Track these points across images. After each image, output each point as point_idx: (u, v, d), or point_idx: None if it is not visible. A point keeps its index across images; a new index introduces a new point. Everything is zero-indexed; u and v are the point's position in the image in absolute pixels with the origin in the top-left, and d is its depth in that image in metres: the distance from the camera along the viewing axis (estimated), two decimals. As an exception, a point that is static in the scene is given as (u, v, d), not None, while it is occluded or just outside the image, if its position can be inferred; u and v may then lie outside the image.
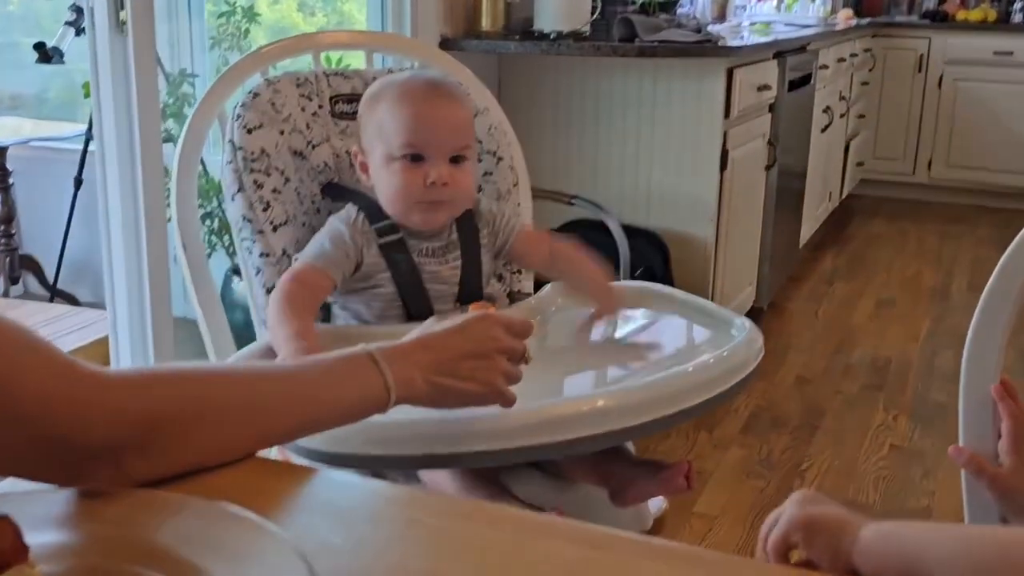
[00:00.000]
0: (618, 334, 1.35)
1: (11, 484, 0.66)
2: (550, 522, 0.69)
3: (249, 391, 0.75)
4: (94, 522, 0.64)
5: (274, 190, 1.34)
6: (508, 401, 0.89)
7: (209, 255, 2.58)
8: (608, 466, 1.16)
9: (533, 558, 0.65)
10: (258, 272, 1.33)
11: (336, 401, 0.79)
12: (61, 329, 2.23)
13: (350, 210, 1.30)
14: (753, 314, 3.34)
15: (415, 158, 1.23)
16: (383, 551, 0.66)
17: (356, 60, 2.50)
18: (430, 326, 0.90)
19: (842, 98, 4.57)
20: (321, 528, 0.67)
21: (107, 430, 0.66)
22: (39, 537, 0.60)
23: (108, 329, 1.99)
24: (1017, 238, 0.98)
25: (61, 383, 0.64)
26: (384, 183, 1.26)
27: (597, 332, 1.33)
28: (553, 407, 1.03)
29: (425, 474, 1.15)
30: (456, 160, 1.25)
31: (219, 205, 2.59)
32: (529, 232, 1.39)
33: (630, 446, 1.30)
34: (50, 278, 3.21)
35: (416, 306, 1.27)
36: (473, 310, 0.97)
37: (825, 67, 4.04)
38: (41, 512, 0.65)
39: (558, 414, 1.01)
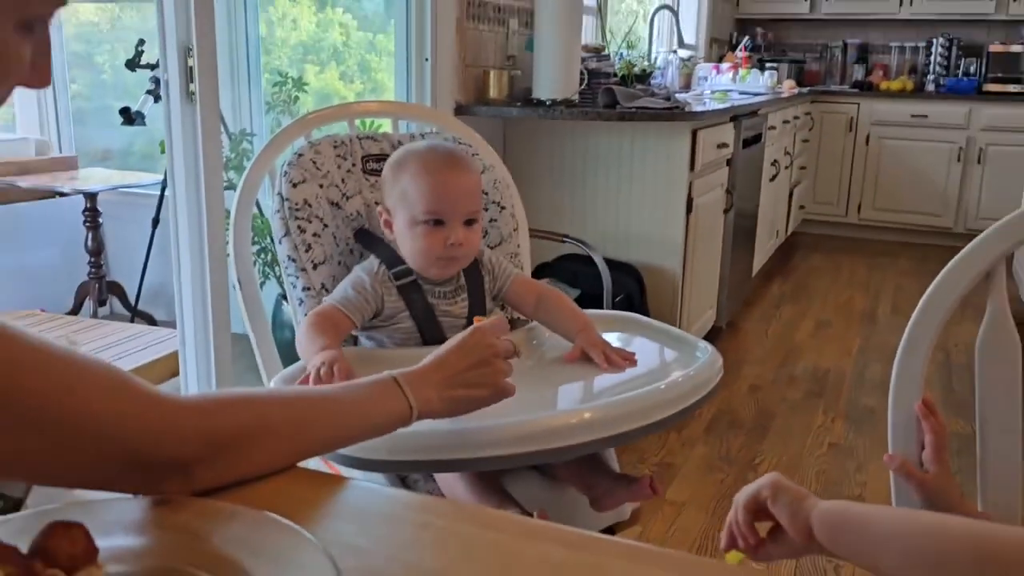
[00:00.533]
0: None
1: (87, 493, 0.65)
2: (543, 527, 0.68)
3: (296, 412, 0.73)
4: (158, 528, 0.63)
5: (314, 234, 1.33)
6: (511, 393, 0.89)
7: (263, 284, 2.58)
8: (591, 478, 1.16)
9: (529, 558, 0.63)
10: (301, 303, 1.32)
11: (367, 419, 0.78)
12: (139, 345, 2.21)
13: (372, 262, 1.28)
14: (713, 333, 3.33)
15: (436, 222, 1.22)
16: (400, 551, 0.64)
17: (385, 124, 2.50)
18: (438, 350, 0.89)
19: (787, 153, 4.58)
20: (348, 531, 0.66)
21: (177, 448, 0.65)
22: (109, 541, 0.59)
23: (178, 344, 1.98)
24: (936, 280, 0.96)
25: (139, 409, 0.63)
26: (408, 243, 1.24)
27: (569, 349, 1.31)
28: (546, 419, 1.01)
29: (440, 478, 1.14)
30: (469, 223, 1.24)
31: (272, 241, 2.58)
32: (521, 279, 1.36)
33: (613, 455, 1.28)
34: (132, 301, 3.20)
35: (431, 335, 1.25)
36: (476, 322, 0.95)
37: (773, 128, 4.06)
38: (112, 518, 0.63)
39: (551, 425, 0.99)
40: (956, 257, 0.95)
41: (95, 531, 0.56)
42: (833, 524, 0.68)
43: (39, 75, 0.57)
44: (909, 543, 0.65)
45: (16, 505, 0.76)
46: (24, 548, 0.53)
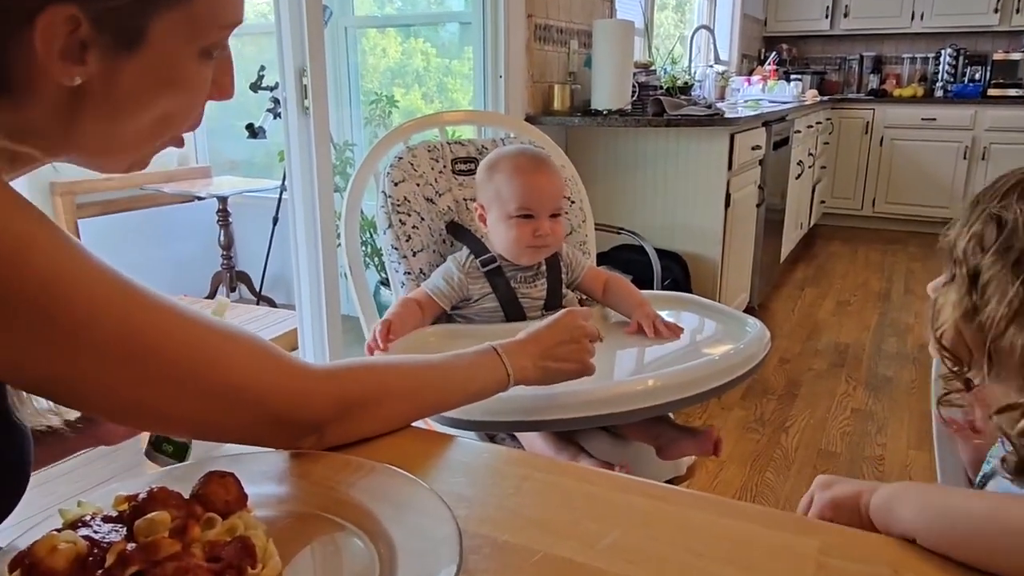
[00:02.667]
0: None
1: (237, 447, 0.64)
2: (630, 481, 0.64)
3: (412, 379, 0.71)
4: (297, 478, 0.61)
5: (413, 227, 1.31)
6: (593, 371, 0.86)
7: (364, 270, 2.59)
8: (656, 429, 1.11)
9: (620, 507, 0.60)
10: (403, 285, 1.31)
11: (472, 384, 0.75)
12: (263, 324, 2.23)
13: (462, 253, 1.26)
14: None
15: (527, 216, 1.20)
16: (505, 500, 0.61)
17: (466, 131, 2.48)
18: (533, 325, 0.86)
19: (810, 154, 4.42)
20: (458, 482, 0.63)
21: (315, 411, 0.63)
22: (257, 489, 0.58)
23: (297, 323, 1.99)
24: None
25: (284, 377, 0.61)
26: (502, 234, 1.22)
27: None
28: (617, 386, 0.98)
29: (522, 436, 1.11)
30: (554, 216, 1.22)
31: (370, 236, 2.59)
32: (592, 270, 1.34)
33: (671, 414, 1.24)
34: (257, 287, 3.26)
35: (513, 314, 1.23)
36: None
37: (798, 132, 3.92)
38: (260, 469, 0.62)
39: (621, 391, 0.96)
40: None
41: (244, 480, 0.54)
42: (880, 514, 0.61)
43: (221, 89, 0.57)
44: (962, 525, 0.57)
45: (182, 449, 0.76)
46: (186, 494, 0.52)
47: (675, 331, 1.18)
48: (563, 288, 1.29)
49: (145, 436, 0.76)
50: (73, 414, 0.72)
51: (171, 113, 0.55)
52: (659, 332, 1.18)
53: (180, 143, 0.59)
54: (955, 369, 0.69)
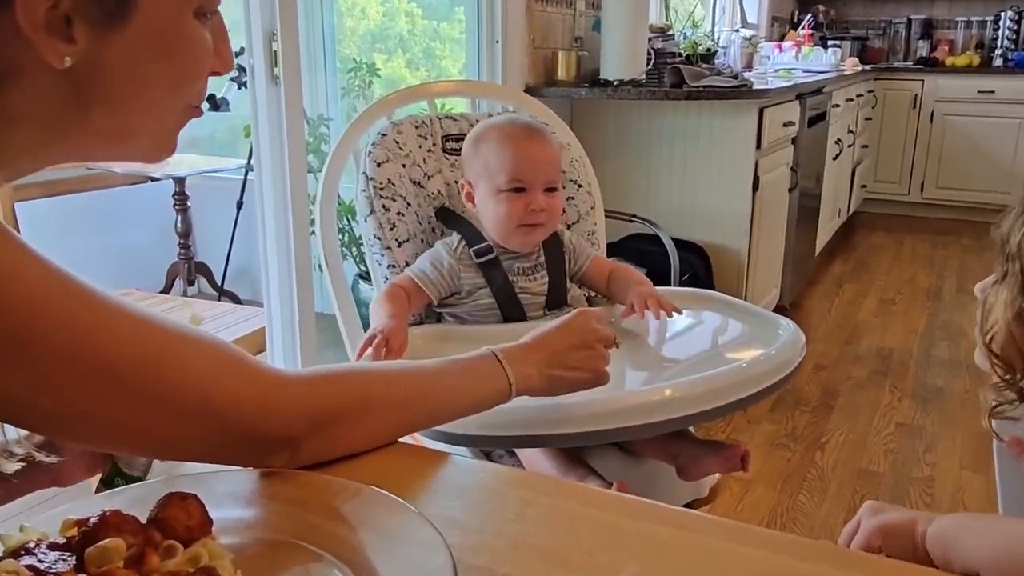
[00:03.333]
0: (680, 332, 1.29)
1: (201, 466, 0.64)
2: (645, 505, 0.65)
3: (400, 388, 0.72)
4: (268, 500, 0.61)
5: (398, 213, 1.32)
6: (607, 381, 0.86)
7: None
8: (675, 446, 1.12)
9: (634, 536, 0.60)
10: (386, 280, 1.31)
11: (468, 395, 0.76)
12: (226, 323, 2.24)
13: (453, 238, 1.27)
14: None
15: (518, 190, 1.21)
16: (505, 527, 0.62)
17: (458, 105, 2.48)
18: (540, 328, 0.86)
19: (850, 131, 4.42)
20: (452, 506, 0.64)
21: (287, 425, 0.63)
22: (223, 513, 0.58)
23: (265, 322, 1.99)
24: None
25: (253, 387, 0.62)
26: (491, 211, 1.23)
27: (662, 331, 1.28)
28: (629, 397, 0.99)
29: (523, 453, 1.12)
30: (549, 190, 1.23)
31: (348, 224, 2.59)
32: (597, 259, 1.35)
33: (691, 428, 1.24)
34: (218, 280, 3.25)
35: (511, 313, 1.24)
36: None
37: (837, 106, 3.91)
38: (226, 490, 0.62)
39: (633, 403, 0.97)
40: None
41: (208, 503, 0.54)
42: (938, 545, 0.62)
43: (223, 60, 0.60)
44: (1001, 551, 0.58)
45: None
46: (143, 518, 0.52)
47: (667, 307, 1.18)
48: (567, 281, 1.29)
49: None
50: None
51: (177, 82, 0.58)
52: (651, 308, 1.17)
53: (199, 112, 0.62)
54: (1007, 377, 0.69)
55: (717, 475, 1.25)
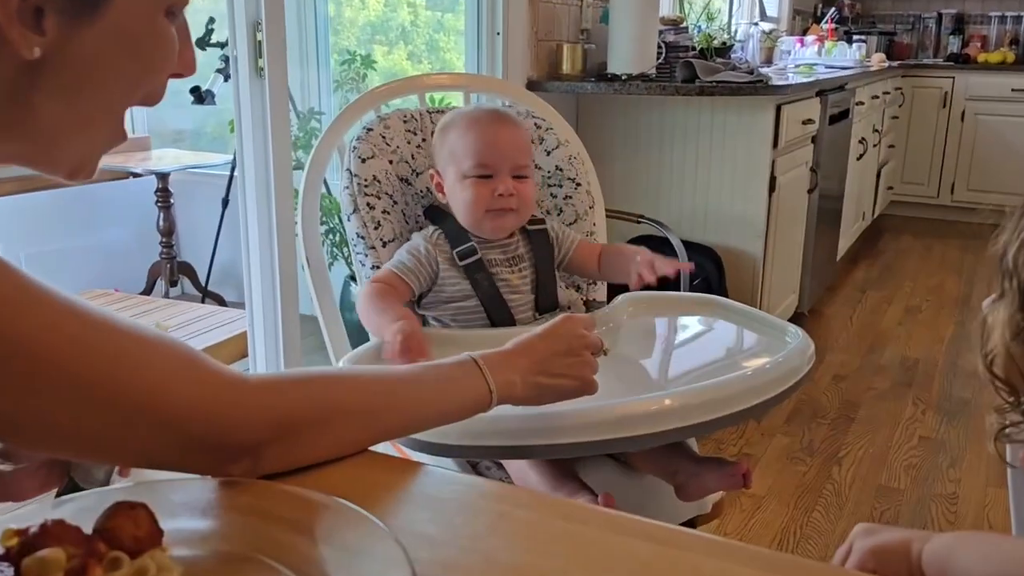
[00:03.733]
0: (682, 340, 1.29)
1: (155, 472, 0.64)
2: (629, 520, 0.64)
3: (370, 394, 0.71)
4: (225, 511, 0.61)
5: (384, 211, 1.32)
6: (595, 390, 0.86)
7: (331, 264, 2.59)
8: (674, 462, 1.11)
9: (616, 553, 0.60)
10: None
11: (444, 403, 0.75)
12: (208, 325, 2.24)
13: (429, 228, 1.29)
14: (795, 319, 3.23)
15: (484, 176, 1.22)
16: (476, 542, 0.61)
17: (456, 100, 2.48)
18: (523, 335, 0.86)
19: (875, 130, 4.41)
20: (421, 519, 0.63)
21: (248, 431, 0.63)
22: (175, 523, 0.57)
23: (247, 325, 1.99)
24: None
25: (209, 390, 0.62)
26: (459, 198, 1.25)
27: (662, 338, 1.28)
28: (625, 406, 0.97)
29: (510, 465, 1.11)
30: (518, 177, 1.24)
31: (340, 221, 2.59)
32: (584, 243, 1.37)
33: (693, 443, 1.24)
34: (202, 281, 3.26)
35: (499, 317, 1.24)
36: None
37: (861, 103, 3.91)
38: (180, 499, 0.62)
39: (629, 412, 0.95)
40: None
41: (160, 512, 0.54)
42: (934, 564, 0.61)
43: (185, 63, 0.61)
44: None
45: None
46: (88, 528, 0.52)
47: (676, 265, 1.21)
48: (555, 273, 1.30)
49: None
50: None
51: (138, 80, 0.59)
52: (657, 269, 1.20)
53: (123, 136, 0.62)
54: (1011, 400, 0.69)
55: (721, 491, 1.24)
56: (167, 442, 0.61)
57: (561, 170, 1.46)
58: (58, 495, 0.76)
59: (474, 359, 0.78)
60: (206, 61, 2.99)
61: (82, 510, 0.56)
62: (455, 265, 1.24)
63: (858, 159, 3.99)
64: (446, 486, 0.69)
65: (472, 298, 1.23)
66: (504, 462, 1.13)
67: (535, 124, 1.48)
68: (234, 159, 2.76)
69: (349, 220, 1.31)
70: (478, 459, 1.13)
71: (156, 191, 3.26)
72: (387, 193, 1.32)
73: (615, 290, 1.40)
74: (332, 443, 0.68)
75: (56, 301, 0.56)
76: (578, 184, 1.48)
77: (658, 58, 2.84)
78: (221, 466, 0.63)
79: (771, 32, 4.32)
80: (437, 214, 1.34)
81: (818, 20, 5.43)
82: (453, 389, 0.76)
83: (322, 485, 0.63)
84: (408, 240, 1.34)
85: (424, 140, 1.41)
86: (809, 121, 2.99)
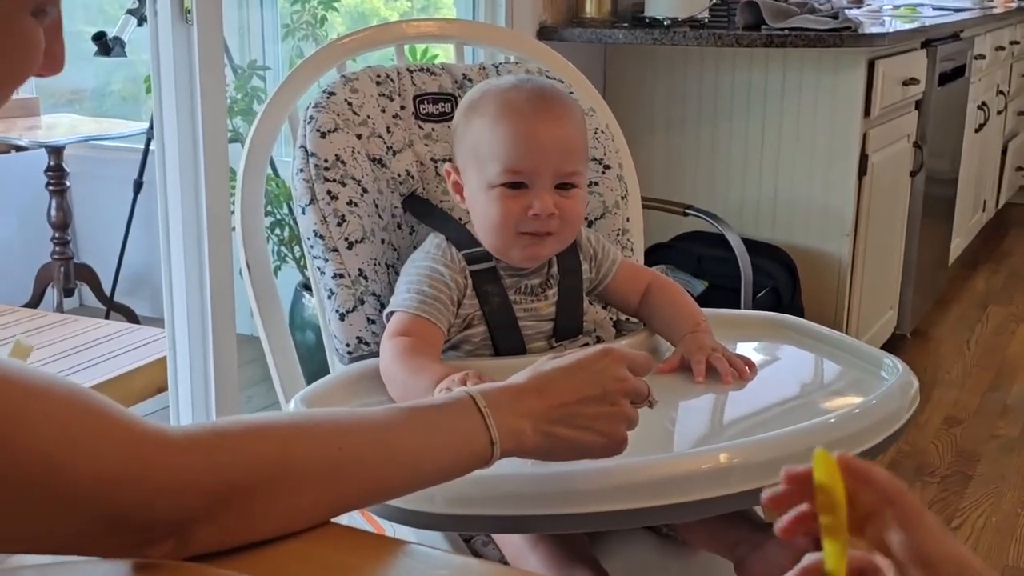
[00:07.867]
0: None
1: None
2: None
3: (334, 449, 0.72)
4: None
5: (350, 202, 1.32)
6: (622, 450, 0.86)
7: (278, 269, 2.60)
8: (733, 532, 1.11)
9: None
10: (331, 295, 1.31)
11: (429, 460, 0.76)
12: (117, 348, 2.25)
13: (442, 245, 1.25)
14: (893, 343, 3.24)
15: (516, 185, 1.17)
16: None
17: (445, 54, 2.49)
18: (543, 363, 0.86)
19: (1000, 93, 4.43)
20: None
21: (173, 503, 0.64)
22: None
23: (167, 348, 2.00)
24: None
25: (121, 454, 0.62)
26: (481, 212, 1.21)
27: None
28: (666, 463, 0.98)
29: (504, 541, 1.11)
30: (564, 187, 1.19)
31: (290, 212, 2.60)
32: (629, 266, 1.35)
33: (756, 507, 1.24)
34: (107, 290, 3.27)
35: (507, 345, 1.23)
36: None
37: (981, 57, 3.92)
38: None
39: (673, 472, 0.96)
40: None
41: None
42: None
43: (54, 61, 0.66)
44: None
45: None
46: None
47: (741, 369, 1.19)
48: (583, 297, 1.29)
49: None
50: None
51: None
52: (721, 370, 1.18)
53: None
54: None
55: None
56: (68, 522, 0.61)
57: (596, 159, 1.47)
58: None
59: (472, 396, 0.78)
60: (114, 0, 3.02)
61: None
62: (470, 283, 1.22)
63: (977, 131, 4.01)
64: (431, 570, 0.70)
65: (480, 320, 1.22)
66: (496, 537, 1.13)
67: (550, 87, 1.48)
68: (150, 129, 2.78)
69: (304, 213, 1.32)
70: (471, 531, 1.14)
71: (46, 170, 3.28)
72: (354, 178, 1.33)
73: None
74: (282, 515, 0.69)
75: None
76: (606, 166, 1.49)
77: (711, -2, 2.86)
78: (136, 547, 0.64)
79: (862, -38, 4.35)
80: (421, 207, 1.35)
81: (925, -54, 5.45)
82: (443, 439, 0.76)
83: (268, 568, 0.64)
84: (383, 241, 1.34)
85: (403, 107, 1.42)
86: (912, 81, 3.00)
